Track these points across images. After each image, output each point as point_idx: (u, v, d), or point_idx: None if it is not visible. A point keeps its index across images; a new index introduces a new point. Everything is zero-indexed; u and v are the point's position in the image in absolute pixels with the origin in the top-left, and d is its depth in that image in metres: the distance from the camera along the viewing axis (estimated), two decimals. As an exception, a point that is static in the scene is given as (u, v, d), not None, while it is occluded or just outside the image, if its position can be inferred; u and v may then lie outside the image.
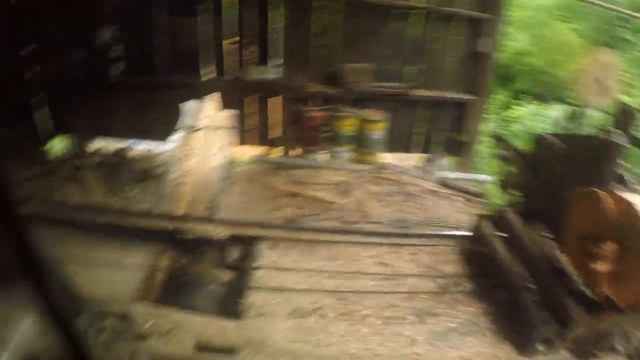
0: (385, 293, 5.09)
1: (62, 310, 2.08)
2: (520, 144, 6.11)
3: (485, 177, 7.92)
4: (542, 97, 13.37)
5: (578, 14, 16.11)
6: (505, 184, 5.80)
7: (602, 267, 4.13)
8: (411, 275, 5.37)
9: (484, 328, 4.67)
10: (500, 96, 13.36)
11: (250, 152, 8.22)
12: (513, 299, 4.82)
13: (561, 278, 4.73)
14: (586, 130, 5.72)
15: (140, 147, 8.53)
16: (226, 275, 5.62)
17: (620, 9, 12.51)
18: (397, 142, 8.42)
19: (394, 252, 5.72)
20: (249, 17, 7.61)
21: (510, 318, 4.77)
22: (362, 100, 8.01)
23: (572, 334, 4.51)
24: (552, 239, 5.23)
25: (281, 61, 7.78)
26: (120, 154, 8.21)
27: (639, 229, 3.92)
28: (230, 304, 5.18)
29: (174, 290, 5.36)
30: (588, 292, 4.49)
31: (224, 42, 7.79)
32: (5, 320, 3.49)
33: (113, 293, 5.20)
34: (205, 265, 5.61)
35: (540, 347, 4.52)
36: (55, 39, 7.48)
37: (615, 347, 4.80)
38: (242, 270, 5.64)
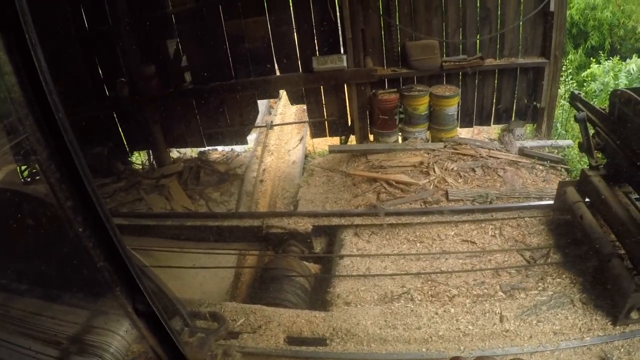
0: (472, 271, 5.11)
1: (156, 314, 2.23)
2: (598, 103, 5.92)
3: (565, 142, 7.69)
4: (618, 52, 12.81)
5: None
6: (585, 146, 5.57)
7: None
8: (497, 251, 5.35)
9: (574, 299, 4.57)
10: (575, 55, 12.87)
11: (326, 142, 8.31)
12: (603, 266, 4.64)
13: None
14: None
15: (219, 150, 8.81)
16: (313, 267, 5.76)
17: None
18: (472, 116, 8.29)
19: (478, 228, 5.72)
20: (313, 8, 7.63)
21: (601, 287, 4.65)
22: (433, 77, 7.92)
23: None
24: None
25: (348, 49, 7.74)
26: (200, 159, 8.51)
27: None
28: (319, 295, 5.32)
29: (263, 286, 5.54)
30: None
31: (291, 37, 7.85)
32: (103, 328, 3.72)
33: (205, 294, 5.46)
34: (292, 258, 5.76)
35: (635, 315, 4.39)
36: (130, 57, 7.78)
37: None
38: (328, 260, 5.77)
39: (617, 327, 4.38)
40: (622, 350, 4.22)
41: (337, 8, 7.54)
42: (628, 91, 5.10)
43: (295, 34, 7.86)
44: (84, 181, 1.61)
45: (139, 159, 9.14)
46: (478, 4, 7.68)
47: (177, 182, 7.93)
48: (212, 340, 4.03)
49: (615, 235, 4.90)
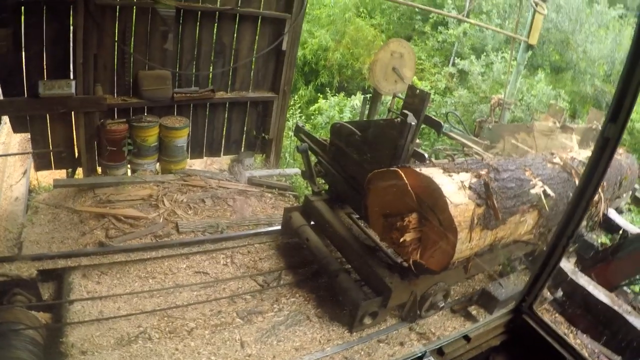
0: (208, 301, 5.10)
1: None
2: (324, 135, 6.31)
3: (292, 170, 8.13)
4: (344, 89, 14.06)
5: (377, 10, 17.12)
6: (307, 174, 6.00)
7: (408, 236, 4.39)
8: (231, 279, 5.43)
9: (310, 315, 4.90)
10: (305, 91, 13.78)
11: (52, 176, 7.70)
12: (333, 281, 5.08)
13: (374, 253, 5.13)
14: (382, 115, 6.02)
15: None
16: (43, 316, 5.23)
17: (416, 4, 13.44)
18: (203, 147, 8.35)
19: (210, 259, 5.74)
20: (45, 27, 6.99)
21: (333, 300, 5.09)
22: (164, 108, 7.80)
23: (393, 302, 4.93)
24: (359, 219, 5.48)
25: (78, 75, 7.22)
26: None
27: (433, 198, 4.25)
28: (52, 347, 4.85)
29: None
30: (400, 261, 4.91)
31: (16, 55, 7.06)
32: None
33: None
34: (18, 309, 5.17)
35: (368, 321, 4.92)
36: None
37: (436, 304, 5.19)
38: (57, 306, 5.28)
39: (354, 333, 4.84)
40: (362, 353, 4.64)
41: (71, 29, 7.01)
42: (343, 123, 5.58)
43: (22, 52, 7.07)
44: None
45: None
46: (214, 38, 7.77)
47: None
48: None
49: (341, 252, 5.33)
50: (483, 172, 4.61)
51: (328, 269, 5.20)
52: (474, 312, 5.58)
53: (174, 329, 4.76)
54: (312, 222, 5.85)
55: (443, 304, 5.41)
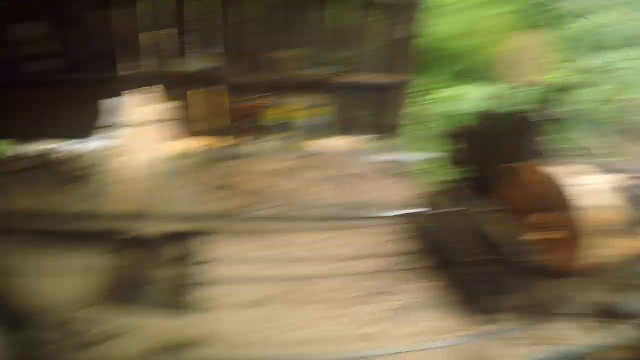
0: (331, 277, 5.09)
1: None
2: (444, 125, 6.24)
3: (423, 155, 8.00)
4: (467, 79, 13.71)
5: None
6: (451, 161, 5.90)
7: (539, 236, 4.27)
8: (355, 258, 5.40)
9: (436, 303, 4.78)
10: (427, 79, 13.59)
11: (186, 145, 8.05)
12: (459, 273, 4.95)
13: (504, 250, 4.84)
14: (509, 108, 5.87)
15: (66, 148, 8.22)
16: (172, 272, 5.52)
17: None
18: (331, 128, 8.39)
19: (339, 236, 5.77)
20: (184, 7, 7.39)
21: (458, 292, 4.90)
22: (295, 88, 7.95)
23: (517, 302, 4.69)
24: (494, 212, 5.36)
25: (215, 51, 7.60)
26: (44, 156, 7.90)
27: (561, 200, 4.06)
28: (177, 301, 5.09)
29: (119, 293, 5.22)
30: (530, 261, 4.64)
31: (159, 33, 7.52)
32: None
33: (56, 301, 5.02)
34: (149, 263, 5.49)
35: (489, 317, 4.67)
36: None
37: (564, 309, 5.01)
38: (187, 266, 5.56)
39: (474, 328, 4.61)
40: (484, 348, 4.39)
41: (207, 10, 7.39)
42: (482, 112, 5.48)
43: (163, 30, 7.53)
44: None
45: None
46: (346, 21, 7.86)
47: (18, 180, 7.32)
48: (67, 351, 3.75)
49: (472, 243, 5.19)
50: (631, 175, 4.39)
51: (458, 259, 5.13)
52: (595, 324, 5.31)
53: (297, 299, 4.86)
54: (445, 210, 5.77)
55: (572, 310, 5.20)
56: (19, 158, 7.84)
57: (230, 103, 7.73)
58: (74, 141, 8.04)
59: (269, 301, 4.81)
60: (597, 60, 14.02)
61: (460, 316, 4.67)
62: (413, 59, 8.28)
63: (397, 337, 4.36)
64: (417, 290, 4.96)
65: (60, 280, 5.19)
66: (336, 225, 5.87)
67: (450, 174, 5.85)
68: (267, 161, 7.31)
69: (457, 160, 5.80)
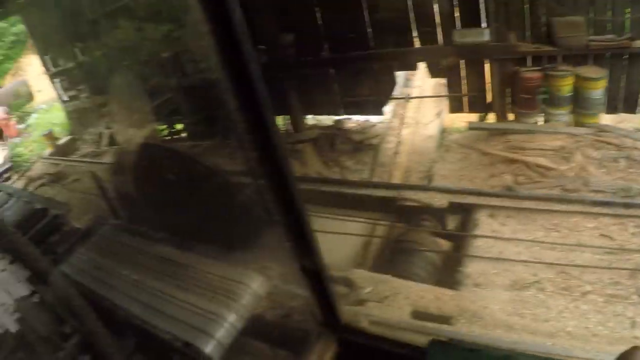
0: (608, 268, 5.00)
1: (319, 272, 2.48)
2: None
3: None
4: None
5: None
6: None
7: None
8: (637, 251, 5.17)
9: None
10: None
11: (463, 118, 8.28)
12: None
13: None
14: None
15: (355, 119, 8.98)
16: (444, 243, 5.88)
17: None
18: (619, 101, 7.83)
19: (618, 224, 5.55)
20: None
21: None
22: (578, 57, 7.57)
23: None
24: None
25: (491, 23, 7.64)
26: (336, 127, 8.75)
27: None
28: (448, 272, 5.46)
29: (392, 257, 5.74)
30: None
31: (432, 8, 7.85)
32: (235, 278, 4.08)
33: (335, 260, 5.67)
34: (423, 232, 5.91)
35: None
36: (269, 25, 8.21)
37: None
38: (460, 238, 5.87)
39: None
40: None
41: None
42: None
43: (436, 5, 7.84)
44: (268, 135, 1.81)
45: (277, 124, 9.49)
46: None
47: (312, 148, 8.22)
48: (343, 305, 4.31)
49: None
50: None
51: None
52: None
53: (568, 287, 4.83)
54: None
55: None
56: (312, 128, 8.78)
57: (511, 74, 7.74)
58: (362, 113, 8.76)
59: (537, 285, 4.91)
60: None
61: None
62: None
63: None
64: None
65: (339, 241, 5.82)
66: (618, 212, 5.62)
67: None
68: (548, 136, 7.19)
69: None
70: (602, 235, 5.46)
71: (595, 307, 4.56)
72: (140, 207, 5.95)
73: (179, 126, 10.52)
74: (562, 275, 4.99)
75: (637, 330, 4.31)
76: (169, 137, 10.56)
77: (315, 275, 2.50)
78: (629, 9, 7.37)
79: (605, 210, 5.70)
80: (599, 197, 5.98)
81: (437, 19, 7.88)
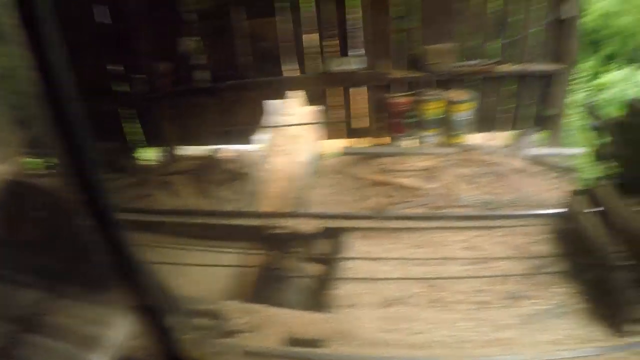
0: (475, 278, 5.06)
1: (155, 309, 2.27)
2: (613, 112, 5.88)
3: (577, 150, 7.58)
4: (634, 60, 12.62)
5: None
6: (598, 156, 5.55)
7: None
8: (501, 258, 5.30)
9: (576, 309, 4.56)
10: (589, 63, 12.67)
11: (336, 144, 8.30)
12: (607, 277, 4.58)
13: None
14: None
15: (228, 149, 8.82)
16: (316, 268, 5.76)
17: None
18: (484, 122, 8.19)
19: (483, 236, 5.67)
20: (326, 11, 7.66)
21: (604, 298, 4.58)
22: (447, 82, 7.85)
23: None
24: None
25: (362, 51, 7.80)
26: (208, 157, 8.54)
27: None
28: (320, 297, 5.33)
29: (264, 286, 5.56)
30: None
31: (303, 37, 7.89)
32: (101, 320, 3.78)
33: (205, 291, 5.47)
34: (295, 259, 5.78)
35: (636, 328, 4.33)
36: (142, 53, 7.95)
37: None
38: (331, 262, 5.77)
39: (618, 338, 4.33)
40: None
41: (350, 11, 7.62)
42: (640, 100, 5.08)
43: (312, 34, 7.89)
44: (93, 176, 1.67)
45: (148, 155, 9.21)
46: (494, 10, 7.64)
47: (186, 179, 7.97)
48: (211, 338, 4.07)
49: (623, 246, 4.85)
50: None
51: (604, 263, 4.79)
52: None
53: (436, 300, 4.86)
54: (596, 209, 5.43)
55: None
56: (186, 159, 8.55)
57: (383, 100, 7.85)
58: (237, 142, 8.62)
59: (405, 301, 4.86)
60: None
61: (601, 325, 4.41)
62: (575, 42, 7.89)
63: (531, 344, 4.24)
64: (556, 295, 4.75)
65: (209, 273, 5.63)
66: (482, 224, 5.78)
67: (602, 170, 5.51)
68: (418, 158, 7.32)
69: (603, 155, 5.45)
70: (467, 247, 5.55)
71: (464, 315, 4.62)
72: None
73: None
74: (430, 289, 4.98)
75: (504, 332, 4.39)
76: (45, 172, 9.98)
77: (151, 313, 2.29)
78: (493, 37, 7.74)
79: (471, 223, 5.83)
80: (465, 211, 6.10)
81: (311, 47, 7.92)
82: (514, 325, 4.43)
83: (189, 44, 8.12)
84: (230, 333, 4.45)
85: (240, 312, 4.70)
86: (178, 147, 8.72)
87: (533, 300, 4.75)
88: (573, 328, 4.39)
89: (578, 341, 4.26)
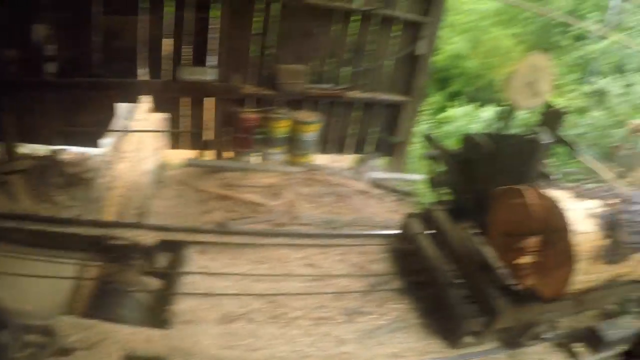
0: (314, 294, 5.10)
1: None
2: (451, 144, 6.24)
3: (416, 176, 8.01)
4: (476, 99, 13.67)
5: (516, 19, 16.48)
6: (434, 183, 5.90)
7: (526, 260, 4.25)
8: (340, 276, 5.40)
9: (413, 324, 4.78)
10: (435, 98, 13.59)
11: (182, 155, 8.09)
12: (441, 294, 4.91)
13: (487, 272, 4.85)
14: (514, 130, 5.86)
15: (72, 150, 8.31)
16: (155, 283, 5.53)
17: (557, 14, 12.85)
18: (330, 144, 8.42)
19: (323, 253, 5.74)
20: (186, 17, 7.47)
21: (438, 313, 4.87)
22: (297, 102, 7.96)
23: (498, 325, 4.65)
24: (478, 234, 5.35)
25: (215, 62, 7.67)
26: (49, 158, 7.98)
27: (559, 223, 4.03)
28: (158, 312, 5.10)
29: (101, 300, 5.21)
30: (513, 284, 4.61)
31: (161, 42, 7.62)
32: None
33: (38, 305, 5.02)
34: (133, 272, 5.51)
35: (469, 340, 4.68)
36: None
37: (541, 335, 4.99)
38: (170, 276, 5.57)
39: (454, 350, 4.65)
40: None
41: (210, 21, 7.46)
42: (474, 135, 5.48)
43: (167, 40, 7.61)
44: None
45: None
46: (349, 38, 7.89)
47: (23, 180, 7.38)
48: (42, 356, 3.79)
49: (454, 265, 5.20)
50: (613, 201, 4.38)
51: (437, 281, 5.11)
52: (578, 350, 5.26)
53: (277, 315, 4.85)
54: (430, 231, 5.76)
55: (548, 336, 5.17)
56: (26, 157, 7.94)
57: (232, 114, 7.79)
58: (81, 144, 8.15)
59: (246, 317, 4.79)
60: (598, 85, 13.93)
61: (437, 338, 4.68)
62: (424, 77, 8.30)
63: (370, 357, 4.36)
64: (394, 311, 4.95)
65: (42, 285, 5.25)
66: (323, 243, 5.86)
67: (436, 196, 5.87)
68: (263, 174, 7.31)
69: (437, 182, 5.84)
70: (307, 264, 5.59)
71: (304, 330, 4.66)
72: None
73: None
74: (271, 305, 4.95)
75: (344, 346, 4.48)
76: None
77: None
78: (346, 64, 7.98)
79: (311, 241, 5.86)
80: (307, 229, 6.15)
81: (167, 52, 7.69)
82: (354, 340, 4.52)
83: (42, 31, 7.51)
84: (64, 351, 4.11)
85: (75, 328, 4.34)
86: (17, 143, 8.06)
87: (371, 316, 4.88)
88: (411, 342, 4.59)
89: (416, 354, 4.45)
